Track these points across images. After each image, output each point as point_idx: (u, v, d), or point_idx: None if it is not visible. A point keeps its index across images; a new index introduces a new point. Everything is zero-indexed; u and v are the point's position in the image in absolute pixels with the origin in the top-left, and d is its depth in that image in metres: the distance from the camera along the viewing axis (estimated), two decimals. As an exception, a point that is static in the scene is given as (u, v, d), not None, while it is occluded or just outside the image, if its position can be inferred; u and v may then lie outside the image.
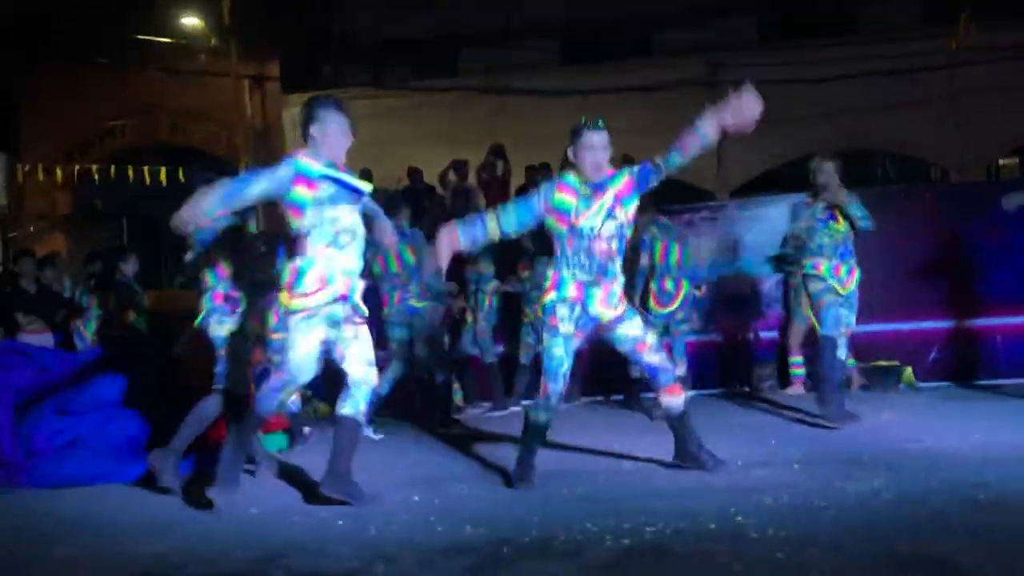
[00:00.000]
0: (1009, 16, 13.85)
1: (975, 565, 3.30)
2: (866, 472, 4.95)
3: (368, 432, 7.20)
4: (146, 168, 14.89)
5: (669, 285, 7.87)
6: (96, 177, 15.09)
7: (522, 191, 11.28)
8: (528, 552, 3.84)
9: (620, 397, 8.64)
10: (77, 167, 15.48)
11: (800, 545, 3.70)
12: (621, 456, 5.92)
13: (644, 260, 7.84)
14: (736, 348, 9.25)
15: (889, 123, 14.36)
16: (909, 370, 8.41)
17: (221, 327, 5.43)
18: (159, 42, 15.27)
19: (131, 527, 4.74)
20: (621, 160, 11.25)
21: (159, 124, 16.43)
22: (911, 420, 6.68)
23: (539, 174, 11.23)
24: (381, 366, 7.07)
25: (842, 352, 6.59)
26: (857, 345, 8.06)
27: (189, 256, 5.56)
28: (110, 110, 16.28)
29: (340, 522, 4.54)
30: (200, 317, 5.48)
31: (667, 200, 10.00)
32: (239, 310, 5.46)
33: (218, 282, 5.46)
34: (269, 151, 16.19)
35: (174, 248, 15.27)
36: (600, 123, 5.17)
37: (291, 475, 5.97)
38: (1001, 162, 16.52)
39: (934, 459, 5.20)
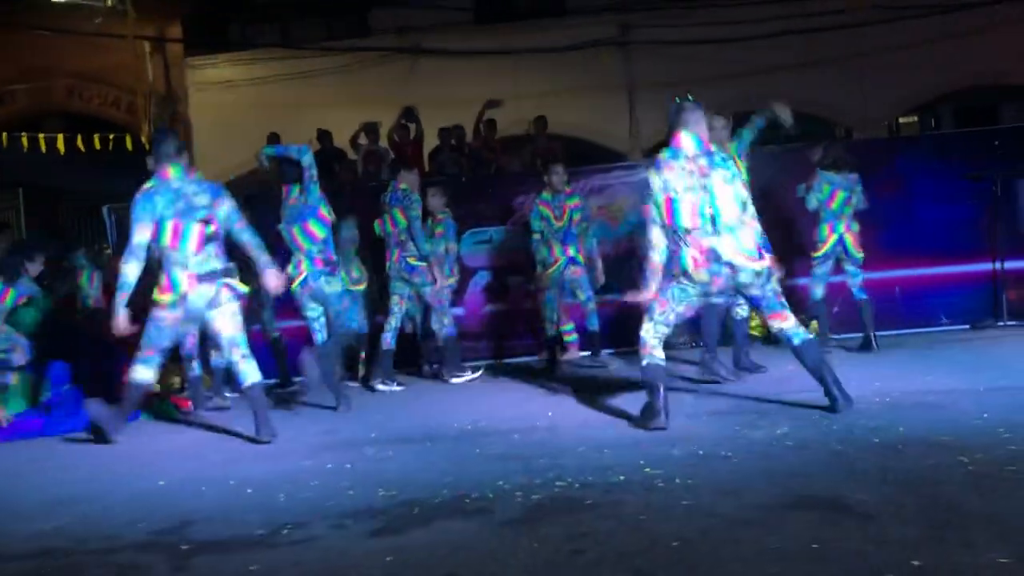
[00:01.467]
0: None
1: (863, 502, 3.45)
2: (770, 421, 5.10)
3: (385, 386, 7.60)
4: (41, 135, 14.23)
5: None
6: (-12, 144, 14.40)
7: (435, 153, 11.17)
8: (439, 512, 3.86)
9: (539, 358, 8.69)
10: (-33, 134, 14.73)
11: (704, 492, 3.80)
12: (536, 416, 5.97)
13: None
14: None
15: (792, 82, 14.64)
16: (814, 323, 8.65)
17: (330, 285, 6.76)
18: (54, 2, 14.54)
19: (26, 505, 4.58)
20: (536, 122, 11.36)
21: (55, 88, 15.64)
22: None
23: (452, 136, 11.14)
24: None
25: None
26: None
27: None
28: (2, 73, 15.50)
29: (249, 490, 4.47)
30: (299, 281, 6.74)
31: (579, 162, 10.08)
32: (338, 269, 6.97)
33: (314, 247, 6.75)
34: (172, 118, 15.67)
35: (74, 218, 14.77)
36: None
37: (205, 445, 5.87)
38: (901, 120, 17.06)
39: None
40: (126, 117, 15.45)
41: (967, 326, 8.72)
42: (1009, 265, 8.83)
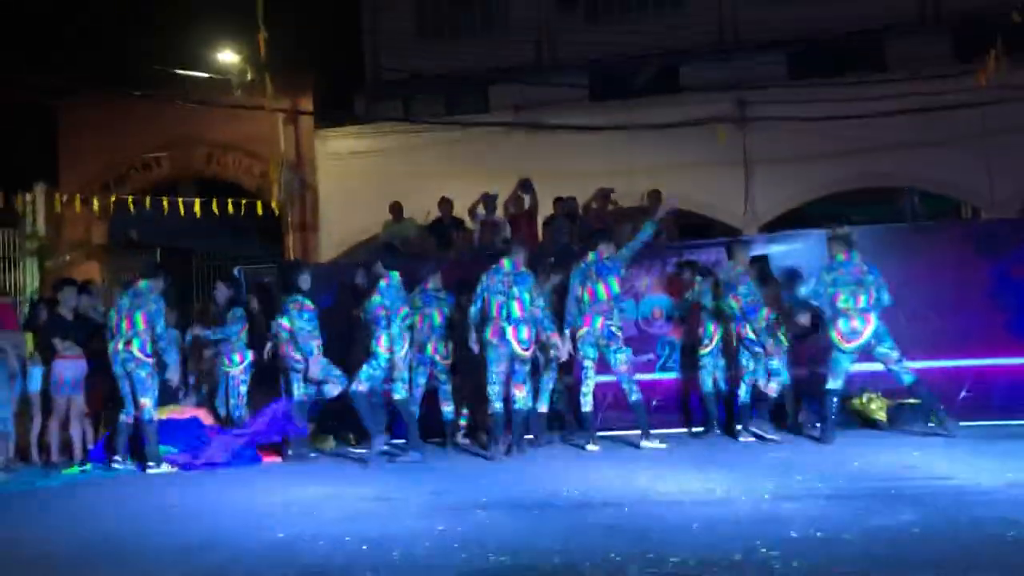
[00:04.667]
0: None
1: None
2: (893, 508, 4.91)
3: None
4: (180, 200, 15.16)
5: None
6: (132, 208, 15.38)
7: (549, 223, 11.38)
8: (551, 579, 3.86)
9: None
10: (114, 197, 15.74)
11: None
12: (647, 487, 5.91)
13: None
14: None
15: (918, 160, 14.32)
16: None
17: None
18: (196, 76, 15.60)
19: (158, 551, 4.80)
20: (650, 195, 11.44)
21: (195, 156, 16.72)
22: (939, 458, 6.60)
23: (566, 205, 11.34)
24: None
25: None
26: (886, 383, 8.04)
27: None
28: (147, 142, 16.62)
29: (364, 547, 4.57)
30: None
31: (694, 236, 10.08)
32: None
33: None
34: (302, 184, 16.45)
35: (205, 279, 15.56)
36: None
37: (316, 502, 6.03)
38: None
39: (963, 496, 5.15)
40: (258, 184, 16.32)
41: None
42: None
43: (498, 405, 7.69)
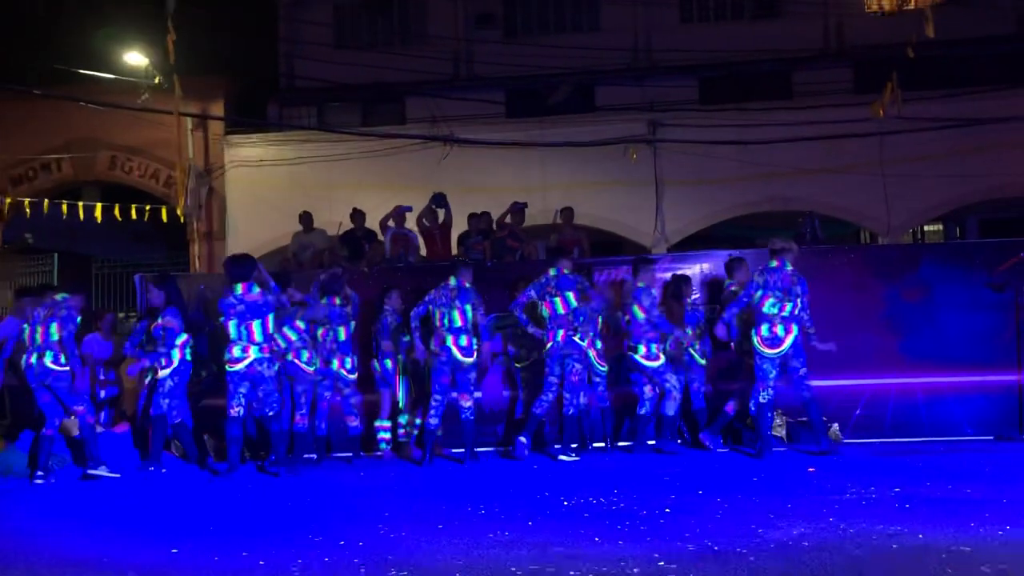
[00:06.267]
0: (934, 88, 14.54)
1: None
2: (787, 521, 5.04)
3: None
4: (80, 204, 14.63)
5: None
6: (28, 211, 14.79)
7: (463, 238, 11.37)
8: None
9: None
10: (9, 200, 15.14)
11: (719, 590, 3.75)
12: (553, 500, 5.93)
13: None
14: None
15: (820, 186, 14.86)
16: (835, 427, 8.60)
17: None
18: (101, 77, 15.09)
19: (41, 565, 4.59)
20: (563, 212, 11.55)
21: (98, 160, 16.16)
22: (833, 474, 6.81)
23: (480, 222, 11.34)
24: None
25: None
26: (786, 401, 8.26)
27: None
28: (48, 143, 16.00)
29: (261, 561, 4.46)
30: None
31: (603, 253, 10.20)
32: None
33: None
34: (209, 192, 16.06)
35: (104, 286, 15.05)
36: None
37: (209, 515, 5.85)
38: (926, 228, 17.16)
39: (853, 510, 5.32)
40: (163, 190, 15.88)
41: (991, 437, 8.59)
42: (1033, 377, 8.73)
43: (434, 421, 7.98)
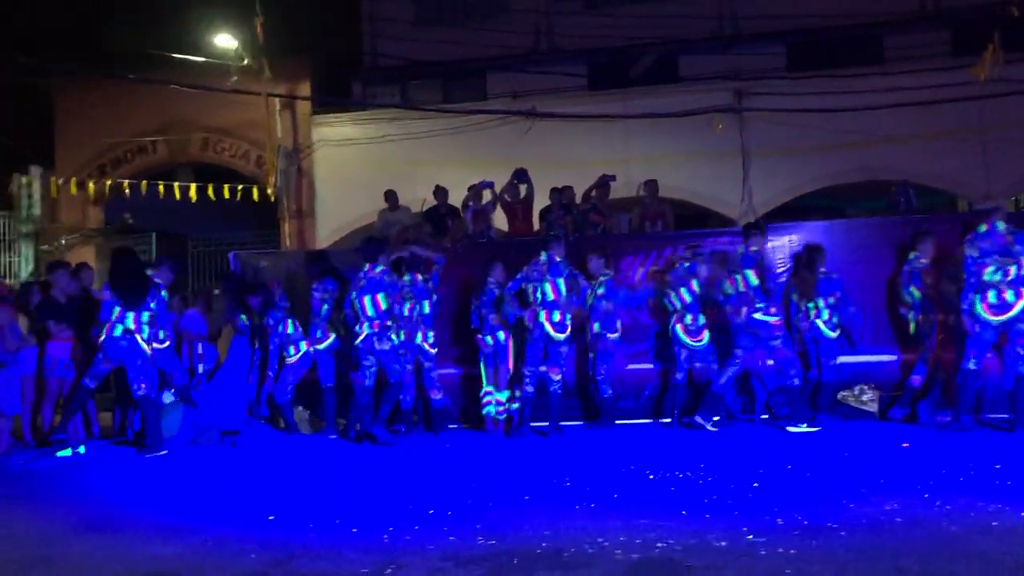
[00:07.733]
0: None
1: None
2: (880, 496, 4.94)
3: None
4: (176, 184, 15.14)
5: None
6: (127, 192, 15.36)
7: (545, 213, 11.37)
8: (538, 563, 3.88)
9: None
10: (109, 181, 15.74)
11: (808, 563, 3.71)
12: (636, 474, 5.94)
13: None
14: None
15: (914, 154, 14.34)
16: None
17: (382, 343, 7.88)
18: (192, 60, 15.54)
19: (145, 529, 4.82)
20: (646, 185, 11.44)
21: (191, 141, 16.68)
22: (930, 450, 6.63)
23: (563, 196, 11.32)
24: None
25: None
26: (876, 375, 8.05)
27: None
28: (143, 126, 16.58)
29: (354, 529, 4.60)
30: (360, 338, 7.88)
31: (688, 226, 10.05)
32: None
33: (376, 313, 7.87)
34: (298, 171, 16.43)
35: (200, 264, 15.57)
36: None
37: (308, 483, 6.04)
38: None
39: (950, 486, 5.18)
40: (254, 170, 16.30)
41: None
42: None
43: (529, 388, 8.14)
